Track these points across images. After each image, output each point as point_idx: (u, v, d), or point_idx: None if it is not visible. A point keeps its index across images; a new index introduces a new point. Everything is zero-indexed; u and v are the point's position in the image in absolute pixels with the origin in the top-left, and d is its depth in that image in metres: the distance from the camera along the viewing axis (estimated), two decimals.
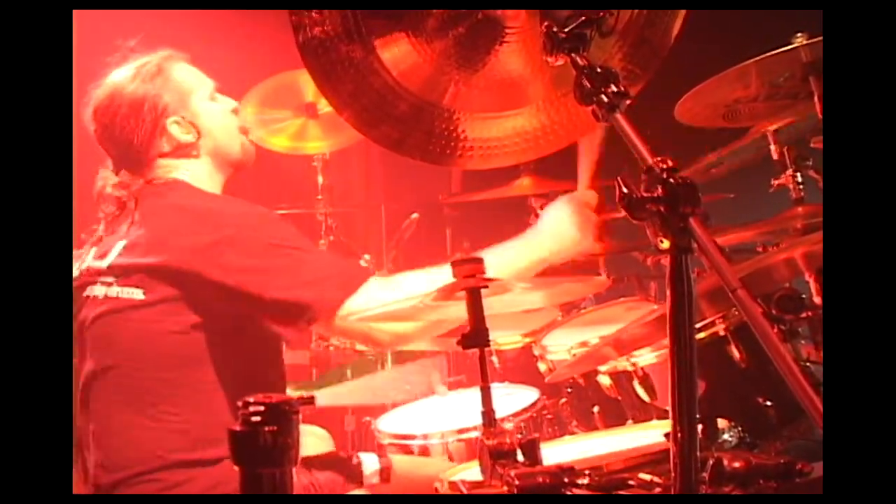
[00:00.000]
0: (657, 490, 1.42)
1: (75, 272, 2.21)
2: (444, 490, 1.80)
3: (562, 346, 3.01)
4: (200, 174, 2.28)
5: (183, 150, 2.25)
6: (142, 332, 2.08)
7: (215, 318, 2.07)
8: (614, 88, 1.31)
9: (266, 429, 1.09)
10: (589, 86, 1.33)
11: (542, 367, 3.09)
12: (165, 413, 2.06)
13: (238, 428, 1.10)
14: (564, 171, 3.73)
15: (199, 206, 2.16)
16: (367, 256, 4.11)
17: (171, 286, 2.05)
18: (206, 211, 2.14)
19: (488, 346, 1.60)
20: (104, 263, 2.15)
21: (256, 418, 1.09)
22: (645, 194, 1.16)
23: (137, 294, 2.08)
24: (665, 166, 1.17)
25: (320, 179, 4.34)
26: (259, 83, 4.06)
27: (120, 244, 2.15)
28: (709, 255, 1.17)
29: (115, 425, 2.10)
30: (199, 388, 2.06)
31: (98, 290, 2.14)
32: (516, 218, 4.07)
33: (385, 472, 2.25)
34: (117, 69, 2.27)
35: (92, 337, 2.15)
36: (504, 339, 3.41)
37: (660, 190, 1.16)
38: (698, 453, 1.16)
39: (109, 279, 2.13)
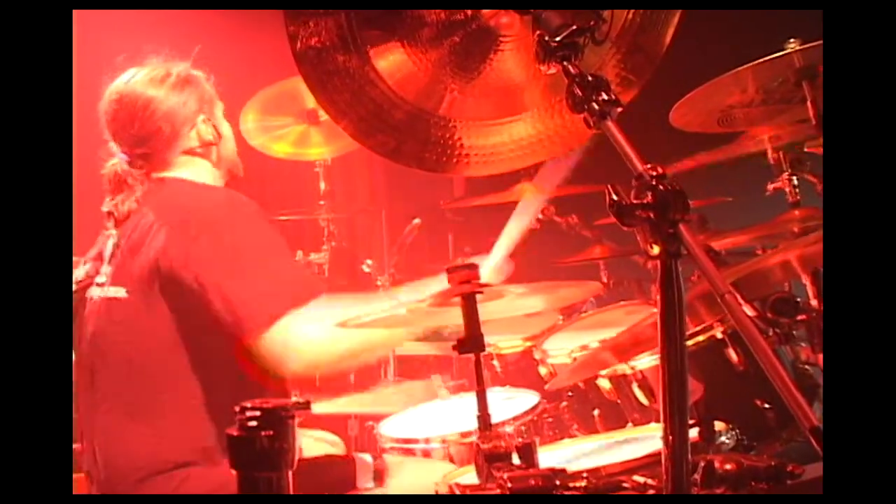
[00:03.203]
0: (650, 492, 1.43)
1: (81, 275, 2.24)
2: (442, 493, 1.82)
3: (562, 349, 3.02)
4: (206, 177, 2.36)
5: (205, 149, 2.35)
6: (128, 334, 2.12)
7: (192, 316, 2.09)
8: (605, 96, 1.33)
9: (262, 433, 1.11)
10: (580, 94, 1.34)
11: (542, 370, 3.11)
12: (159, 418, 2.08)
13: (235, 432, 1.12)
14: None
15: (185, 205, 2.19)
16: (369, 262, 4.13)
17: (149, 284, 2.09)
18: (188, 210, 2.17)
19: (483, 350, 1.62)
20: (102, 265, 2.19)
21: (253, 423, 1.11)
22: (634, 201, 1.18)
23: (121, 293, 2.12)
24: (654, 173, 1.19)
25: (322, 185, 4.36)
26: (261, 90, 4.09)
27: (110, 243, 2.19)
28: (697, 260, 1.19)
29: (113, 431, 2.13)
30: (189, 392, 2.07)
31: (94, 292, 2.18)
32: None
33: (379, 474, 2.27)
34: (143, 69, 2.35)
35: (90, 343, 2.17)
36: (505, 343, 3.42)
37: (649, 196, 1.17)
38: (690, 456, 1.17)
39: (103, 279, 2.17)
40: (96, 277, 2.20)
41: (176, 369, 2.08)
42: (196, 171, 2.34)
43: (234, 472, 1.14)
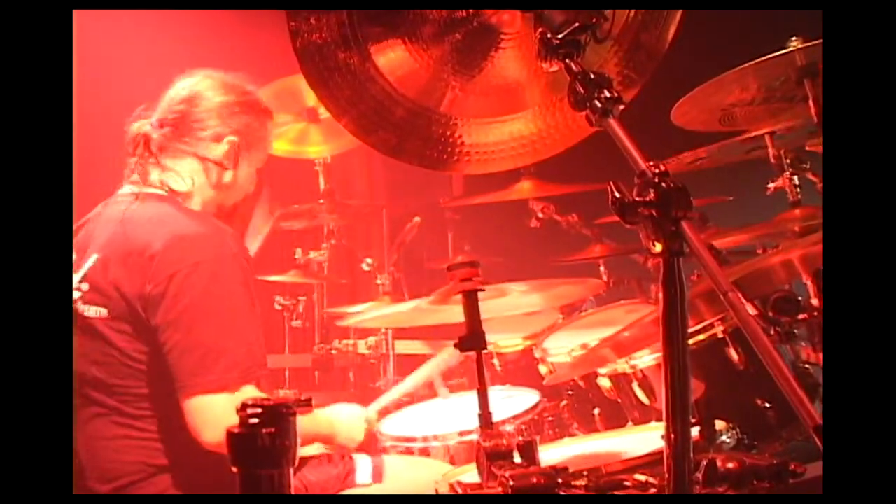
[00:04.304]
0: (652, 491, 1.43)
1: None
2: (442, 492, 1.81)
3: (562, 348, 3.02)
4: (198, 198, 2.33)
5: (215, 171, 2.33)
6: (111, 349, 2.10)
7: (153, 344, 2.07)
8: (607, 94, 1.33)
9: (264, 430, 1.10)
10: (582, 91, 1.34)
11: (542, 369, 3.11)
12: (148, 425, 2.08)
13: (236, 430, 1.11)
14: (564, 175, 3.77)
15: (165, 240, 2.10)
16: (368, 260, 4.13)
17: (126, 305, 2.08)
18: (172, 244, 2.09)
19: (485, 348, 1.62)
20: (77, 276, 2.16)
21: (254, 420, 1.11)
22: (637, 198, 1.18)
23: (102, 312, 2.11)
24: (657, 171, 1.19)
25: (322, 183, 4.35)
26: (260, 88, 4.08)
27: (92, 258, 2.16)
28: (700, 258, 1.19)
29: (100, 438, 2.12)
30: (174, 396, 2.03)
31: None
32: (517, 221, 4.09)
33: (376, 472, 2.26)
34: (226, 78, 2.41)
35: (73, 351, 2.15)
36: (505, 341, 3.42)
37: (652, 194, 1.17)
38: (692, 455, 1.17)
39: (77, 294, 2.14)
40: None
41: (159, 372, 2.06)
42: (189, 188, 2.30)
43: (234, 469, 1.13)
